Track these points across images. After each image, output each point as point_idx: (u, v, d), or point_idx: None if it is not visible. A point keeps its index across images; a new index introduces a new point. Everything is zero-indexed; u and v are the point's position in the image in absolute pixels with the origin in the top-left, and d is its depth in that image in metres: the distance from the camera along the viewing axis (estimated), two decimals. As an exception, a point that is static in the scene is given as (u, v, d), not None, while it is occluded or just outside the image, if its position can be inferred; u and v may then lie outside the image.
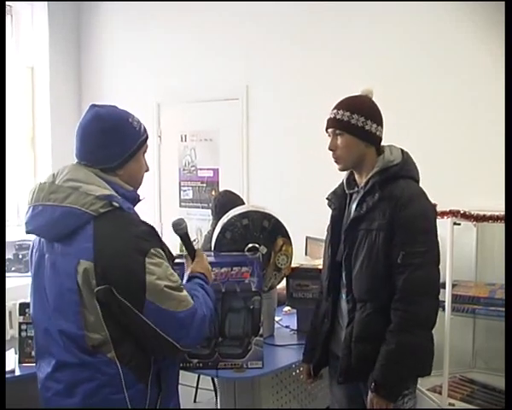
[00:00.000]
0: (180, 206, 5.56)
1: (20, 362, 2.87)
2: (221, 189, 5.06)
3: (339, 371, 2.48)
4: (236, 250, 2.96)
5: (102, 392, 1.98)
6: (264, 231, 3.06)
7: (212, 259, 2.83)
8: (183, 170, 5.53)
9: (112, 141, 2.08)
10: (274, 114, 4.97)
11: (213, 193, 5.23)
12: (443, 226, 2.77)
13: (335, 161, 2.50)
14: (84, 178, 2.04)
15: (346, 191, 2.59)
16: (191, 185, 5.50)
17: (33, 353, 2.41)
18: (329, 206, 2.63)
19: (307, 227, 4.21)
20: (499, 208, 3.26)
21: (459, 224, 3.58)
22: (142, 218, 2.10)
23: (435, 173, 3.69)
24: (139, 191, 2.20)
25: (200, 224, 5.32)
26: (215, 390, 4.12)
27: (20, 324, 2.88)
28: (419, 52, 4.22)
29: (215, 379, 3.78)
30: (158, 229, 2.13)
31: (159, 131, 5.61)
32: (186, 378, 2.84)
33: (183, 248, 2.37)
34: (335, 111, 2.47)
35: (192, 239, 2.40)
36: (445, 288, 3.37)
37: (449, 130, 4.10)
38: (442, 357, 3.41)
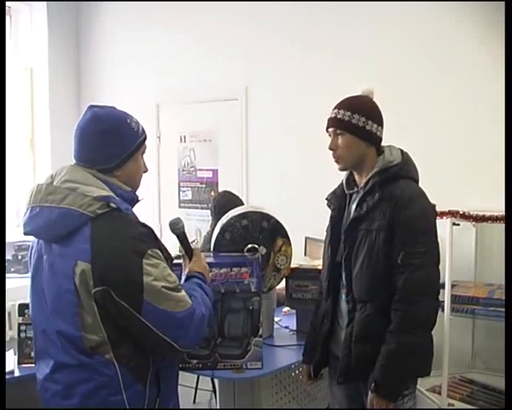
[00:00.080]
0: (179, 206, 5.55)
1: (19, 363, 2.87)
2: (220, 189, 5.06)
3: (339, 372, 2.48)
4: (236, 251, 2.96)
5: (100, 393, 1.97)
6: (264, 232, 3.06)
7: (211, 259, 2.84)
8: (183, 171, 5.53)
9: (110, 142, 2.08)
10: (273, 114, 4.97)
11: (213, 194, 5.23)
12: (442, 227, 2.77)
13: (336, 161, 2.50)
14: (82, 179, 2.04)
15: (346, 192, 2.58)
16: (190, 186, 5.49)
17: (33, 354, 2.41)
18: (329, 206, 2.63)
19: (306, 228, 4.21)
20: (498, 209, 3.26)
21: (458, 224, 3.58)
22: (142, 219, 2.10)
23: (435, 174, 3.70)
24: (138, 192, 2.20)
25: (200, 224, 5.32)
26: (214, 391, 4.12)
27: (20, 325, 2.88)
28: (419, 52, 4.22)
29: (215, 380, 3.78)
30: (157, 230, 2.13)
31: (158, 131, 5.60)
32: (185, 379, 2.83)
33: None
34: (336, 111, 2.47)
35: (191, 240, 2.41)
36: (444, 288, 3.37)
37: (449, 130, 4.10)
38: (441, 357, 3.41)
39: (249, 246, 2.98)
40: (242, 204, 3.99)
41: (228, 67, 5.15)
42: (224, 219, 3.11)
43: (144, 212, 2.36)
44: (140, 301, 1.93)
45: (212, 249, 3.07)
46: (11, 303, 3.56)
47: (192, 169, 5.47)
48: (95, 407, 1.98)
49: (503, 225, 2.97)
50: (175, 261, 2.30)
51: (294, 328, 3.37)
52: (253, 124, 5.08)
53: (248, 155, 5.11)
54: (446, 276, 3.42)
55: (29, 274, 2.16)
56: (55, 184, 2.04)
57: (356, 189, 2.54)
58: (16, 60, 5.68)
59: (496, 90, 3.61)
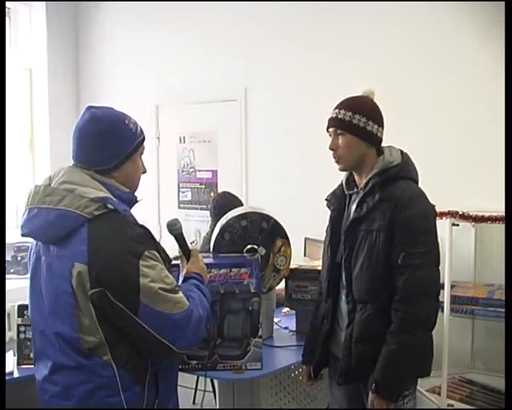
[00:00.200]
0: (179, 207, 5.55)
1: (18, 364, 2.86)
2: (220, 190, 5.05)
3: (339, 373, 2.47)
4: (235, 251, 2.96)
5: (98, 395, 1.98)
6: (263, 233, 3.06)
7: (210, 260, 2.84)
8: (182, 171, 5.52)
9: (108, 143, 2.08)
10: (273, 114, 4.96)
11: (212, 194, 5.22)
12: (442, 227, 2.76)
13: (336, 162, 2.50)
14: (80, 180, 2.04)
15: (346, 192, 2.58)
16: (190, 187, 5.49)
17: (32, 355, 2.41)
18: (328, 207, 2.63)
19: (306, 228, 4.21)
20: (498, 209, 3.26)
21: (458, 225, 3.58)
22: (141, 219, 2.09)
23: (434, 174, 3.70)
24: (137, 193, 2.20)
25: (199, 225, 5.30)
26: (214, 391, 4.11)
27: (19, 326, 2.88)
28: (419, 52, 4.22)
29: (214, 380, 3.78)
30: (156, 230, 2.13)
31: (157, 132, 5.60)
32: (185, 380, 2.83)
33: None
34: (337, 111, 2.47)
35: (191, 241, 2.40)
36: (443, 289, 3.37)
37: (449, 130, 4.10)
38: (441, 358, 3.40)
39: (248, 247, 2.99)
40: (242, 205, 3.99)
41: (227, 67, 5.15)
42: (223, 220, 3.11)
43: (144, 213, 2.36)
44: (136, 303, 1.93)
45: (211, 250, 3.07)
46: (10, 304, 3.55)
47: (191, 170, 5.46)
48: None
49: (503, 225, 2.97)
50: (173, 262, 2.30)
51: (294, 329, 3.36)
52: (252, 124, 5.08)
53: (248, 156, 5.11)
54: (446, 276, 3.42)
55: (28, 275, 2.16)
56: (52, 185, 2.04)
57: (356, 189, 2.54)
58: (15, 60, 5.67)
59: (496, 90, 3.61)
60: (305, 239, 4.36)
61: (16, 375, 2.81)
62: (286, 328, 3.42)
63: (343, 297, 2.52)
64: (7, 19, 5.55)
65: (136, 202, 2.18)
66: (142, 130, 2.19)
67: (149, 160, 5.26)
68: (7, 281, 3.69)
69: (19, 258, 4.93)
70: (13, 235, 4.83)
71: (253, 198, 4.98)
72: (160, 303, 1.95)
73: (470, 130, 4.02)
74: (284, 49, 4.84)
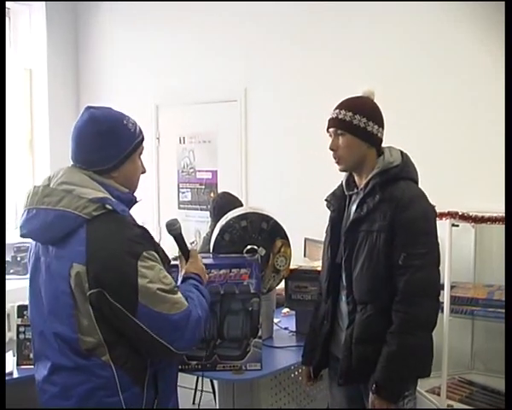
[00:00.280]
0: (179, 208, 5.55)
1: (18, 364, 2.86)
2: (220, 191, 5.05)
3: (339, 373, 2.47)
4: (235, 252, 2.96)
5: (97, 395, 1.98)
6: (263, 233, 3.05)
7: (210, 261, 2.84)
8: (182, 172, 5.52)
9: (107, 143, 2.08)
10: (273, 114, 4.96)
11: (212, 195, 5.22)
12: (441, 228, 2.76)
13: (337, 162, 2.50)
14: (79, 180, 2.03)
15: (346, 193, 2.58)
16: (190, 187, 5.49)
17: (31, 355, 2.41)
18: (328, 207, 2.63)
19: (306, 229, 4.21)
20: (497, 210, 3.26)
21: (457, 225, 3.58)
22: (141, 220, 2.09)
23: (434, 174, 3.70)
24: (137, 193, 2.20)
25: (199, 226, 5.30)
26: (213, 392, 4.11)
27: (18, 326, 2.88)
28: (419, 52, 4.22)
29: (214, 381, 3.77)
30: (156, 231, 2.13)
31: (157, 133, 5.60)
32: (184, 380, 2.82)
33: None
34: (337, 111, 2.47)
35: (191, 241, 2.40)
36: (443, 289, 3.36)
37: (449, 130, 4.10)
38: (441, 358, 3.40)
39: (248, 247, 2.99)
40: (242, 205, 3.99)
41: (227, 67, 5.14)
42: (223, 221, 3.11)
43: (144, 213, 2.36)
44: (135, 304, 1.93)
45: (211, 251, 3.06)
46: (10, 305, 3.55)
47: (191, 170, 5.46)
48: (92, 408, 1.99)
49: (503, 226, 2.97)
50: (173, 263, 2.30)
51: (294, 329, 3.36)
52: (252, 125, 5.08)
53: (248, 157, 5.11)
54: (446, 277, 3.41)
55: (28, 276, 2.16)
56: (51, 186, 2.04)
57: (356, 190, 2.54)
58: (15, 60, 5.67)
59: (496, 90, 3.61)
60: (305, 240, 4.36)
61: (16, 375, 2.81)
62: (286, 328, 3.41)
63: (343, 298, 2.52)
64: (7, 19, 5.55)
65: (136, 202, 2.17)
66: (141, 130, 2.19)
67: (149, 160, 5.27)
68: (7, 281, 3.69)
69: (18, 258, 4.93)
70: (13, 235, 4.84)
71: (252, 198, 4.98)
72: (158, 304, 1.95)
73: (470, 130, 4.02)
74: (284, 50, 4.84)
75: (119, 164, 2.10)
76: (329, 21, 4.61)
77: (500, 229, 3.29)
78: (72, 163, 2.12)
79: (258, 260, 2.84)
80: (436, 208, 2.49)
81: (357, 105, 2.46)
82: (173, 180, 5.57)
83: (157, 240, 2.15)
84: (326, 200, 2.65)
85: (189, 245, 2.37)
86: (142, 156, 2.21)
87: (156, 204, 5.64)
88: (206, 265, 2.42)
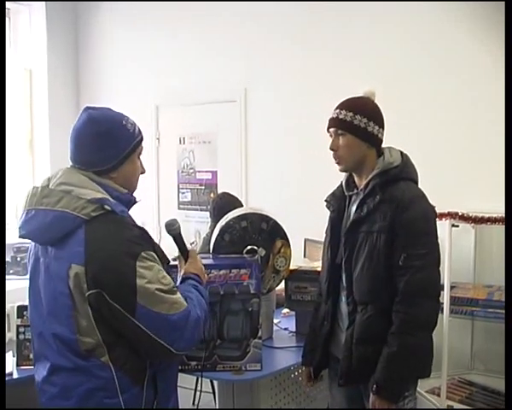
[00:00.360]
0: (179, 208, 5.54)
1: (17, 365, 2.86)
2: (219, 191, 5.04)
3: (339, 374, 2.47)
4: (235, 252, 2.96)
5: (97, 396, 1.97)
6: (263, 234, 3.05)
7: (210, 261, 2.84)
8: (182, 172, 5.52)
9: (105, 144, 2.07)
10: (273, 115, 4.96)
11: (212, 195, 5.21)
12: (441, 228, 2.76)
13: (337, 163, 2.50)
14: (77, 181, 2.03)
15: (346, 193, 2.58)
16: (190, 188, 5.48)
17: (31, 355, 2.42)
18: (328, 208, 2.63)
19: (306, 229, 4.21)
20: (497, 210, 3.26)
21: (457, 226, 3.58)
22: (141, 220, 2.09)
23: (434, 174, 3.69)
24: (137, 193, 2.19)
25: (199, 226, 5.30)
26: (213, 392, 4.11)
27: (18, 326, 2.88)
28: (419, 52, 4.21)
29: (214, 381, 3.77)
30: (156, 231, 2.13)
31: (157, 133, 5.60)
32: (184, 381, 2.82)
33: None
34: (338, 111, 2.47)
35: (191, 242, 2.40)
36: (443, 290, 3.36)
37: (449, 130, 4.09)
38: (441, 359, 3.40)
39: (248, 248, 2.99)
40: (241, 206, 3.99)
41: (228, 67, 5.14)
42: (223, 221, 3.11)
43: (144, 214, 2.35)
44: (133, 304, 1.93)
45: (211, 251, 3.06)
46: (10, 305, 3.54)
47: (191, 171, 5.46)
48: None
49: (503, 226, 2.97)
50: (172, 263, 2.30)
51: (294, 330, 3.36)
52: (252, 125, 5.07)
53: (248, 157, 5.10)
54: (445, 277, 3.41)
55: (28, 276, 2.16)
56: (50, 186, 2.04)
57: (355, 190, 2.54)
58: (15, 61, 5.67)
59: (496, 90, 3.60)
60: (305, 240, 4.36)
61: (16, 376, 2.81)
62: (286, 329, 3.41)
63: (343, 298, 2.52)
64: (7, 19, 5.55)
65: (135, 202, 2.17)
66: (139, 130, 2.18)
67: (149, 161, 5.27)
68: (7, 282, 3.69)
69: (18, 259, 4.93)
70: (12, 235, 4.83)
71: (252, 199, 4.97)
72: (156, 304, 1.95)
73: (470, 130, 4.01)
74: (284, 50, 4.84)
75: (118, 164, 2.09)
76: (330, 21, 4.61)
77: (500, 229, 3.28)
78: (71, 164, 2.12)
79: (258, 260, 2.84)
80: (436, 209, 2.49)
81: (358, 105, 2.46)
82: (173, 181, 5.57)
83: (157, 240, 2.14)
84: (326, 200, 2.65)
85: (188, 245, 2.37)
86: (141, 157, 2.21)
87: (156, 205, 5.63)
88: (205, 265, 2.42)
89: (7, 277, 4.45)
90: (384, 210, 2.36)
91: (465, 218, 3.56)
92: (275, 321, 3.40)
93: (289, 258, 3.14)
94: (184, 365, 2.70)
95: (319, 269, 2.87)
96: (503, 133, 2.65)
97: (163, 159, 5.61)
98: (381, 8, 4.33)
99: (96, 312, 1.94)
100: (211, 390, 4.23)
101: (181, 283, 2.20)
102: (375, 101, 2.51)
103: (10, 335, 3.16)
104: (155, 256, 2.03)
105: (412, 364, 2.32)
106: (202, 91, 5.27)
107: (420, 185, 2.50)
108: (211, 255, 3.00)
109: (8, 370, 2.79)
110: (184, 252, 2.32)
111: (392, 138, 2.56)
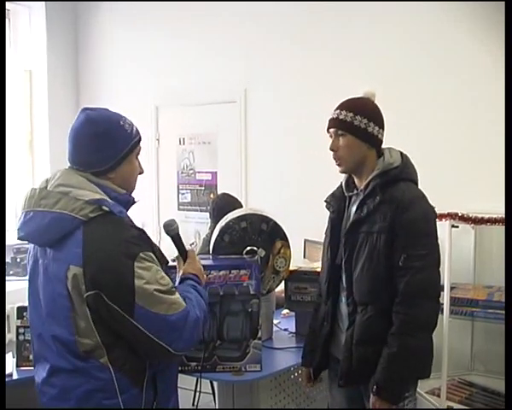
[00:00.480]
0: (178, 209, 5.54)
1: (17, 366, 2.86)
2: (219, 192, 5.04)
3: (339, 375, 2.47)
4: (235, 253, 2.96)
5: (96, 397, 1.97)
6: (263, 234, 3.05)
7: (210, 262, 2.84)
8: (182, 173, 5.51)
9: (103, 144, 2.07)
10: (273, 115, 4.95)
11: (212, 196, 5.20)
12: (441, 229, 2.75)
13: (337, 164, 2.50)
14: (75, 182, 2.03)
15: (345, 194, 2.58)
16: (189, 188, 5.48)
17: (31, 356, 2.41)
18: (328, 208, 2.63)
19: (306, 230, 4.20)
20: (497, 211, 3.25)
21: (457, 226, 3.57)
22: (141, 221, 2.08)
23: (434, 175, 3.69)
24: (136, 194, 2.19)
25: (199, 227, 5.29)
26: (213, 393, 4.10)
27: (18, 327, 2.88)
28: (419, 52, 4.21)
29: (213, 382, 3.77)
30: (156, 232, 2.12)
31: (157, 134, 5.59)
32: (184, 381, 2.82)
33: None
34: (338, 111, 2.47)
35: (190, 242, 2.40)
36: (443, 290, 3.36)
37: (449, 130, 4.09)
38: (441, 360, 3.39)
39: (248, 248, 2.99)
40: (241, 206, 3.98)
41: (227, 67, 5.14)
42: (222, 222, 3.10)
43: (143, 214, 2.35)
44: (132, 305, 1.92)
45: (211, 252, 3.06)
46: (10, 306, 3.55)
47: (191, 171, 5.45)
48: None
49: (503, 227, 2.97)
50: (171, 264, 2.29)
51: (293, 330, 3.36)
52: (252, 126, 5.07)
53: (247, 158, 5.10)
54: (445, 278, 3.40)
55: (27, 277, 2.15)
56: (48, 188, 2.04)
57: (355, 191, 2.54)
58: (15, 61, 5.67)
59: (496, 90, 3.60)
60: (305, 241, 4.36)
61: (15, 377, 2.81)
62: (285, 330, 3.41)
63: (343, 299, 2.52)
64: (7, 20, 5.54)
65: (134, 203, 2.17)
66: (137, 130, 2.18)
67: (149, 161, 5.28)
68: (6, 283, 3.69)
69: (18, 260, 4.93)
70: (12, 236, 4.83)
71: (252, 199, 4.97)
72: (155, 305, 1.95)
73: (470, 130, 4.01)
74: (284, 50, 4.83)
75: (115, 165, 2.09)
76: (329, 21, 4.60)
77: (500, 230, 3.28)
78: (69, 165, 2.12)
79: (258, 261, 2.85)
80: (436, 209, 2.49)
81: (358, 106, 2.46)
82: (173, 181, 5.56)
83: (156, 241, 2.14)
84: (325, 201, 2.65)
85: (187, 246, 2.37)
86: (141, 157, 2.21)
87: (156, 205, 5.63)
88: (205, 266, 2.42)
89: (7, 278, 4.46)
90: (384, 211, 2.36)
91: (465, 218, 3.55)
92: (275, 322, 3.40)
93: (289, 259, 3.14)
94: (184, 365, 2.70)
95: (319, 270, 2.87)
96: (503, 133, 2.65)
97: (163, 160, 5.60)
98: (380, 9, 4.33)
99: (94, 313, 1.94)
100: (210, 391, 4.23)
101: (180, 283, 2.20)
102: (375, 101, 2.51)
103: (10, 336, 3.16)
104: (154, 257, 2.02)
105: (412, 364, 2.32)
106: (202, 92, 5.27)
107: (420, 186, 2.50)
108: (210, 256, 3.00)
109: (8, 371, 2.79)
110: (183, 252, 2.31)
111: (392, 139, 2.56)
